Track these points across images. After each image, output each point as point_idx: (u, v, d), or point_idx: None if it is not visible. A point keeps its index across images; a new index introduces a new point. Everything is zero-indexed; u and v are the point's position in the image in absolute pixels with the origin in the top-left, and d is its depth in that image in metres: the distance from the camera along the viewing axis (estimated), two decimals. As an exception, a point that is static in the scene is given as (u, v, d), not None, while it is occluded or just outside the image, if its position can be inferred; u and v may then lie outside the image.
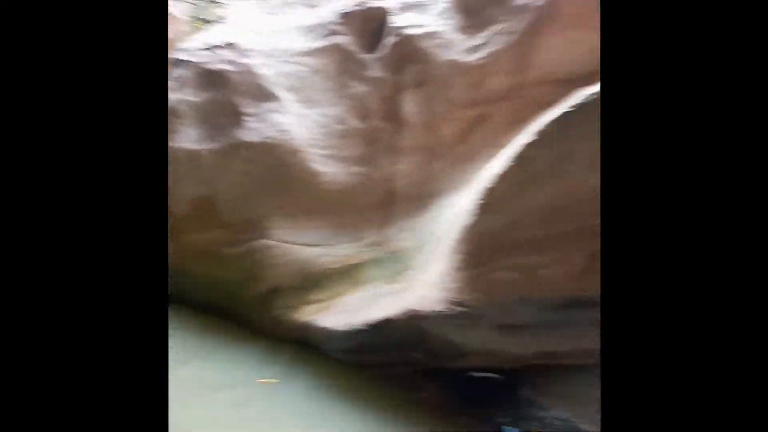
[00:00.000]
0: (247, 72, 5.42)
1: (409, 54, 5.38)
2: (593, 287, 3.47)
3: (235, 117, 5.32)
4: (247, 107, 5.32)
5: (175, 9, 6.11)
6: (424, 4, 5.63)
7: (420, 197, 5.13)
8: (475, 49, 5.28)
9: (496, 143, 4.64)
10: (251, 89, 5.37)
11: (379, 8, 5.67)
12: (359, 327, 4.19)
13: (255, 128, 5.23)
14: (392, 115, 5.38)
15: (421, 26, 5.44)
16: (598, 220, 3.35)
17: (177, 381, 2.55)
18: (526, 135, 3.42)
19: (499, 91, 5.15)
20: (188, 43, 5.86)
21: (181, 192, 5.21)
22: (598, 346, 4.00)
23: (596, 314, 3.63)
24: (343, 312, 4.56)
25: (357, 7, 5.73)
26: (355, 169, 5.26)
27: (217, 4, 6.85)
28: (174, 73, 5.58)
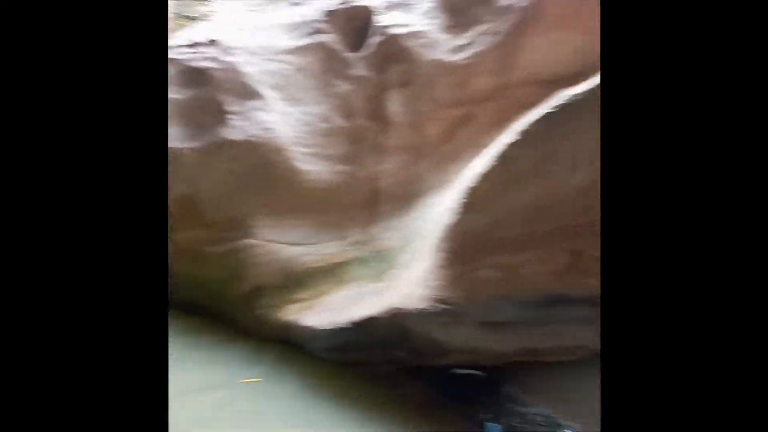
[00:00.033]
0: (231, 70, 5.37)
1: (394, 53, 5.39)
2: (574, 285, 3.53)
3: (219, 115, 5.27)
4: (231, 105, 5.28)
5: (158, 5, 6.03)
6: (409, 4, 5.65)
7: (405, 196, 5.14)
8: (460, 48, 5.31)
9: (480, 143, 4.67)
10: (235, 87, 5.33)
11: (363, 7, 5.67)
12: (343, 326, 4.19)
13: (239, 126, 5.19)
14: (377, 114, 5.38)
15: (406, 25, 5.45)
16: (580, 220, 3.42)
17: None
18: (509, 135, 3.45)
19: (483, 92, 5.19)
20: (172, 40, 5.79)
21: (164, 190, 5.14)
22: (579, 343, 4.07)
23: (577, 312, 3.70)
24: (326, 311, 4.55)
25: (341, 6, 5.72)
26: (340, 167, 5.26)
27: (200, 2, 6.79)
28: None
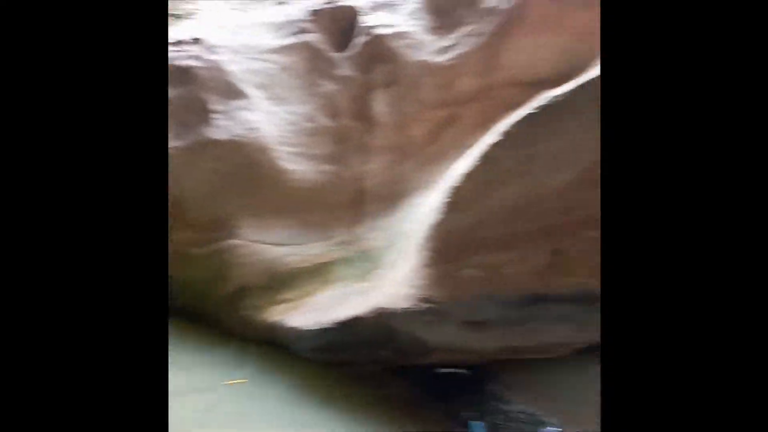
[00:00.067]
0: (215, 68, 5.33)
1: (380, 53, 5.41)
2: (555, 284, 3.58)
3: (203, 114, 5.23)
4: (215, 104, 5.24)
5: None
6: (395, 4, 5.67)
7: (390, 196, 5.15)
8: (445, 50, 5.34)
9: (465, 144, 4.71)
10: (219, 86, 5.29)
11: (349, 7, 5.68)
12: (328, 326, 4.19)
13: (223, 126, 5.15)
14: (362, 114, 5.39)
15: (391, 26, 5.47)
16: (561, 220, 3.47)
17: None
18: (492, 135, 3.49)
19: (468, 93, 5.23)
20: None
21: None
22: (560, 341, 4.12)
23: (558, 310, 3.75)
24: (312, 311, 4.54)
25: (327, 5, 5.72)
26: (325, 167, 5.25)
27: (185, 0, 6.71)
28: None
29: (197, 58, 5.39)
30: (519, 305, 3.61)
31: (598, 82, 3.12)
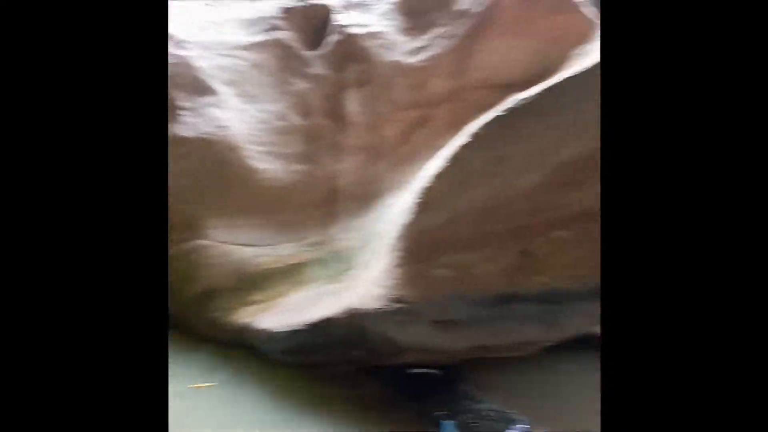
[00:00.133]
0: (183, 64, 5.20)
1: (353, 53, 5.39)
2: (523, 284, 3.64)
3: (170, 111, 5.08)
4: (183, 101, 5.11)
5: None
6: (368, 4, 5.67)
7: (363, 197, 5.13)
8: (418, 51, 5.37)
9: (437, 145, 4.73)
10: (187, 82, 5.16)
11: (322, 5, 5.64)
12: (299, 327, 4.14)
13: (191, 123, 5.03)
14: (335, 114, 5.36)
15: (364, 26, 5.46)
16: (529, 220, 3.52)
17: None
18: (462, 137, 3.52)
19: (440, 94, 5.27)
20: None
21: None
22: (528, 339, 4.16)
23: (525, 309, 3.81)
24: (283, 313, 4.48)
25: (299, 3, 5.66)
26: (297, 166, 5.20)
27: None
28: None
29: (164, 53, 5.25)
30: (489, 305, 3.65)
31: (565, 85, 3.21)
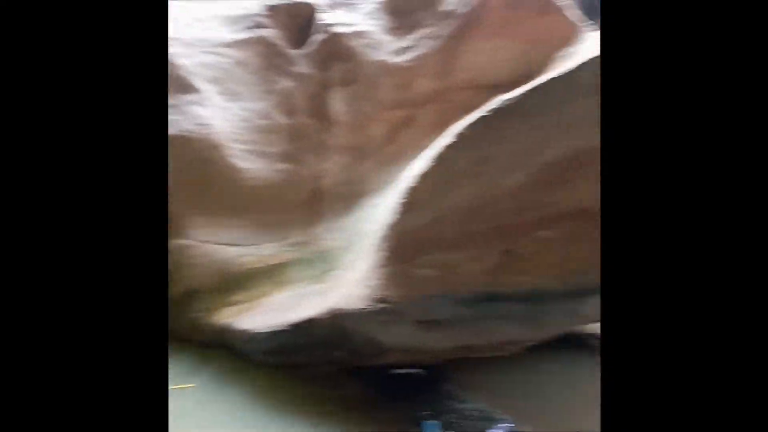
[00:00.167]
0: (165, 61, 5.11)
1: (338, 52, 5.36)
2: (506, 283, 3.66)
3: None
4: (165, 98, 5.02)
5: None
6: (353, 3, 5.64)
7: (348, 196, 5.11)
8: (403, 50, 5.36)
9: (422, 145, 4.73)
10: (170, 79, 5.07)
11: (307, 4, 5.60)
12: (281, 328, 4.10)
13: (172, 120, 4.92)
14: (319, 113, 5.32)
15: (350, 25, 5.44)
16: (513, 220, 3.54)
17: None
18: (447, 137, 3.52)
19: (425, 94, 5.27)
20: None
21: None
22: (511, 339, 4.17)
23: (508, 309, 3.82)
24: (265, 313, 4.43)
25: (284, 1, 5.61)
26: (281, 166, 5.14)
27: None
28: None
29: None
30: (473, 304, 3.66)
31: (549, 86, 3.23)
